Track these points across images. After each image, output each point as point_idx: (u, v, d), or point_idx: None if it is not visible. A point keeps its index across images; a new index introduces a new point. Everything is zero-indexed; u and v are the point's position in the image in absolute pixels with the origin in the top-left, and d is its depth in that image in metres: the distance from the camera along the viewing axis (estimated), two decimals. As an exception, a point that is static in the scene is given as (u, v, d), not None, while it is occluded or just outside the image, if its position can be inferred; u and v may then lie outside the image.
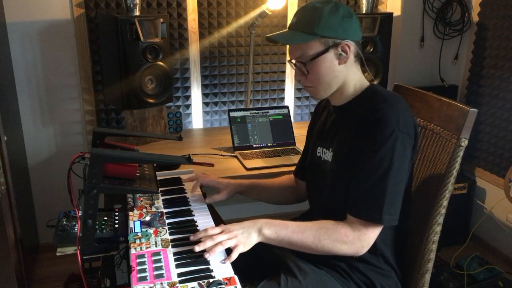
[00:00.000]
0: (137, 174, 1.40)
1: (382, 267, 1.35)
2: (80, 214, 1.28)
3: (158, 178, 1.62)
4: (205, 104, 2.81)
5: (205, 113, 2.83)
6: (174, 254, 1.20)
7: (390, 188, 1.20)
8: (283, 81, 2.90)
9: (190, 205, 1.52)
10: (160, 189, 1.60)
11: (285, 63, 2.86)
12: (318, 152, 1.44)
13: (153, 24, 2.20)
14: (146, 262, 1.16)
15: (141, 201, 1.51)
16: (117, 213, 1.47)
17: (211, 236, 1.20)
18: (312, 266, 1.35)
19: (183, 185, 1.70)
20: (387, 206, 1.20)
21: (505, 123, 2.58)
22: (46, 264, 2.58)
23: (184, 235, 1.29)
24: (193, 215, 1.45)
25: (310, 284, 1.29)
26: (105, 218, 1.42)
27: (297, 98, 2.97)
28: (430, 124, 1.48)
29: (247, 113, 2.34)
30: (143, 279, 1.09)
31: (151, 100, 2.30)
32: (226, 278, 1.10)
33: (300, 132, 2.29)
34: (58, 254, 1.32)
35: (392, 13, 2.54)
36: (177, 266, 1.15)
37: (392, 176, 1.20)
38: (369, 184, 1.21)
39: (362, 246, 1.24)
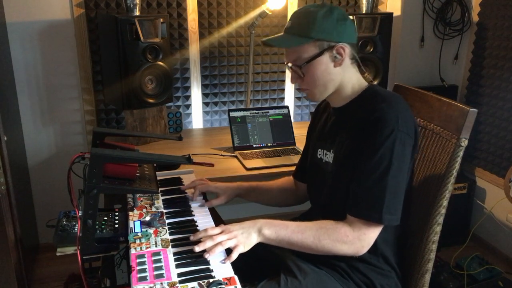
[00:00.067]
0: (137, 174, 1.40)
1: (382, 267, 1.35)
2: (80, 214, 1.28)
3: (158, 178, 1.62)
4: (205, 104, 2.81)
5: (205, 113, 2.83)
6: (174, 254, 1.20)
7: (389, 188, 1.20)
8: (283, 81, 2.90)
9: (190, 205, 1.52)
10: (160, 189, 1.60)
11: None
12: (319, 154, 1.44)
13: (153, 24, 2.20)
14: (146, 262, 1.16)
15: (141, 201, 1.51)
16: (117, 213, 1.47)
17: (211, 236, 1.20)
18: (312, 266, 1.35)
19: (183, 185, 1.70)
20: (387, 205, 1.21)
21: (505, 123, 2.58)
22: (46, 264, 2.58)
23: (184, 235, 1.29)
24: (193, 215, 1.45)
25: (310, 284, 1.29)
26: (105, 218, 1.42)
27: (297, 98, 2.97)
28: (430, 124, 1.48)
29: (247, 113, 2.35)
30: (143, 279, 1.09)
31: (151, 100, 2.30)
32: (226, 278, 1.10)
33: (300, 132, 2.29)
34: (58, 254, 1.32)
35: (392, 13, 2.54)
36: (177, 266, 1.15)
37: (392, 176, 1.20)
38: (368, 184, 1.22)
39: (362, 246, 1.24)
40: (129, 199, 1.50)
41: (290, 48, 1.33)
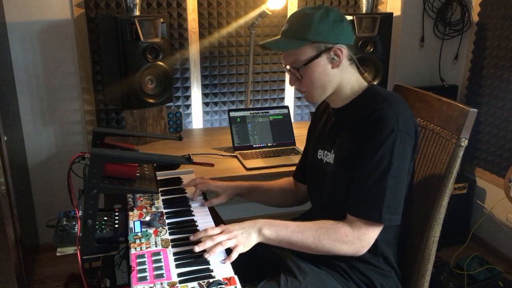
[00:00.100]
0: (137, 174, 1.40)
1: (382, 267, 1.35)
2: (80, 214, 1.28)
3: (158, 178, 1.62)
4: (205, 104, 2.81)
5: (205, 113, 2.83)
6: (174, 254, 1.20)
7: (389, 187, 1.20)
8: (283, 81, 2.90)
9: (190, 205, 1.52)
10: (160, 189, 1.60)
11: (285, 63, 2.86)
12: (319, 155, 1.44)
13: (153, 24, 2.20)
14: (146, 262, 1.16)
15: (141, 201, 1.51)
16: (117, 213, 1.47)
17: (211, 236, 1.20)
18: (312, 266, 1.35)
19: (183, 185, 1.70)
20: (387, 205, 1.20)
21: (505, 123, 2.58)
22: (46, 264, 2.58)
23: (184, 235, 1.29)
24: (193, 215, 1.45)
25: (310, 284, 1.29)
26: (105, 218, 1.42)
27: (297, 98, 2.97)
28: (430, 124, 1.48)
29: (247, 113, 2.35)
30: (143, 279, 1.09)
31: (151, 100, 2.30)
32: (226, 278, 1.10)
33: (300, 132, 2.29)
34: (58, 254, 1.32)
35: (392, 13, 2.54)
36: (177, 266, 1.15)
37: (392, 176, 1.20)
38: (368, 184, 1.22)
39: (362, 246, 1.24)
40: (129, 199, 1.50)
41: (287, 51, 1.33)
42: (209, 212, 1.48)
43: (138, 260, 1.16)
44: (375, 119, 1.22)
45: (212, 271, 1.13)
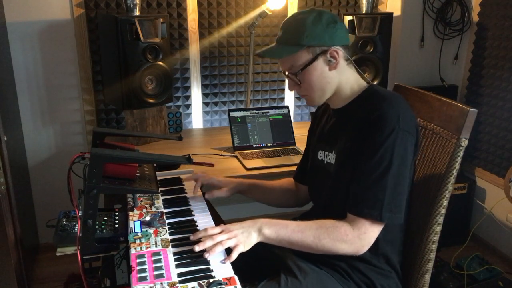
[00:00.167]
0: (137, 174, 1.40)
1: (383, 267, 1.35)
2: (80, 214, 1.28)
3: (158, 178, 1.62)
4: (205, 104, 2.81)
5: (205, 113, 2.83)
6: (174, 254, 1.20)
7: (390, 186, 1.20)
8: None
9: (190, 205, 1.52)
10: (160, 189, 1.60)
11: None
12: (320, 156, 1.44)
13: (153, 24, 2.20)
14: (146, 262, 1.16)
15: (141, 201, 1.51)
16: (117, 213, 1.47)
17: (211, 236, 1.20)
18: (312, 266, 1.35)
19: (183, 185, 1.70)
20: (388, 204, 1.20)
21: (505, 123, 2.58)
22: (46, 264, 2.58)
23: (184, 235, 1.29)
24: (193, 215, 1.45)
25: (310, 284, 1.29)
26: (105, 218, 1.42)
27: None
28: (430, 124, 1.48)
29: (247, 113, 2.35)
30: (143, 279, 1.09)
31: (151, 100, 2.30)
32: (226, 278, 1.10)
33: (300, 132, 2.30)
34: (58, 254, 1.32)
35: (392, 13, 2.54)
36: (177, 266, 1.15)
37: (392, 174, 1.20)
38: (369, 183, 1.21)
39: (362, 245, 1.24)
40: (129, 199, 1.50)
41: (283, 58, 1.33)
42: (209, 212, 1.48)
43: (138, 260, 1.16)
44: (376, 118, 1.22)
45: (212, 271, 1.13)
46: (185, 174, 1.81)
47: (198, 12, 2.63)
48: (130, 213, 1.42)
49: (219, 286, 1.07)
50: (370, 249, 1.26)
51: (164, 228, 1.34)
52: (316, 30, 1.28)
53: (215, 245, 1.18)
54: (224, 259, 1.17)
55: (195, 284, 1.08)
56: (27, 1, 2.35)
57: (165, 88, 2.33)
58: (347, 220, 1.25)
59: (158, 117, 2.43)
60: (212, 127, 2.85)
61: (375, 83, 2.15)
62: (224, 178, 1.67)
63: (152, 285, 1.07)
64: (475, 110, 1.32)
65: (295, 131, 2.37)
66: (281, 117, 2.39)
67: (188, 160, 1.38)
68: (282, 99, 2.94)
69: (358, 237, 1.23)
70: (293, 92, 2.94)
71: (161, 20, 2.23)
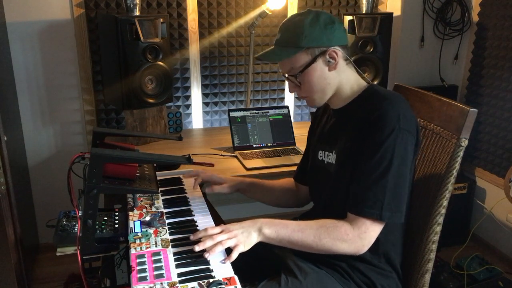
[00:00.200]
0: (137, 174, 1.40)
1: (383, 267, 1.35)
2: (80, 214, 1.28)
3: (158, 178, 1.62)
4: (205, 104, 2.81)
5: (205, 113, 2.83)
6: (174, 254, 1.20)
7: (390, 186, 1.20)
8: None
9: (190, 205, 1.52)
10: (160, 189, 1.60)
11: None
12: (320, 156, 1.44)
13: (153, 24, 2.20)
14: (146, 262, 1.16)
15: (141, 201, 1.51)
16: (117, 213, 1.47)
17: (211, 236, 1.20)
18: (312, 266, 1.35)
19: (183, 185, 1.70)
20: (388, 203, 1.20)
21: (505, 123, 2.58)
22: (46, 264, 2.58)
23: (184, 235, 1.29)
24: (193, 215, 1.45)
25: (310, 284, 1.29)
26: (105, 218, 1.42)
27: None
28: (430, 124, 1.48)
29: (247, 113, 2.35)
30: (143, 279, 1.09)
31: (151, 100, 2.30)
32: (226, 278, 1.10)
33: (300, 132, 2.30)
34: (58, 254, 1.32)
35: (392, 13, 2.54)
36: (177, 266, 1.15)
37: (393, 174, 1.20)
38: (369, 182, 1.21)
39: (362, 245, 1.24)
40: (129, 199, 1.50)
41: (283, 60, 1.33)
42: (209, 212, 1.48)
43: (138, 260, 1.16)
44: (376, 117, 1.22)
45: (212, 271, 1.13)
46: (185, 175, 1.81)
47: (198, 12, 2.63)
48: (130, 213, 1.42)
49: (219, 286, 1.07)
50: (370, 249, 1.26)
51: (164, 228, 1.34)
52: (314, 31, 1.28)
53: (215, 245, 1.18)
54: (224, 259, 1.17)
55: (195, 284, 1.08)
56: (27, 1, 2.35)
57: (165, 88, 2.33)
58: (347, 220, 1.25)
59: (158, 117, 2.43)
60: (212, 127, 2.85)
61: (375, 83, 2.15)
62: (225, 176, 1.67)
63: (152, 285, 1.07)
64: (475, 110, 1.32)
65: (295, 131, 2.37)
66: (281, 117, 2.39)
67: (188, 160, 1.38)
68: (282, 99, 2.94)
69: (358, 236, 1.22)
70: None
71: (161, 20, 2.23)
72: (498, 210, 2.69)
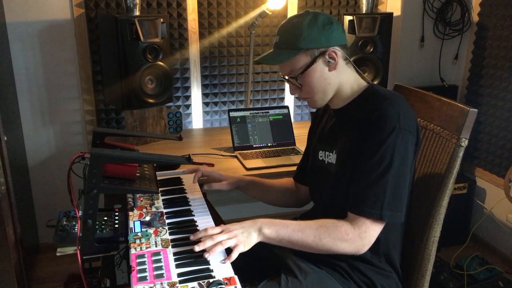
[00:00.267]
0: (137, 174, 1.40)
1: (383, 267, 1.35)
2: (80, 214, 1.28)
3: (158, 178, 1.62)
4: (205, 104, 2.81)
5: (205, 113, 2.83)
6: (174, 254, 1.20)
7: (390, 185, 1.20)
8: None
9: (190, 205, 1.52)
10: (160, 189, 1.60)
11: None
12: (320, 156, 1.44)
13: (153, 24, 2.20)
14: (146, 262, 1.16)
15: (141, 201, 1.51)
16: (117, 213, 1.47)
17: (211, 236, 1.20)
18: (312, 266, 1.35)
19: (183, 185, 1.70)
20: (388, 203, 1.20)
21: (505, 123, 2.58)
22: (46, 264, 2.58)
23: (184, 235, 1.29)
24: (193, 215, 1.45)
25: (310, 284, 1.29)
26: (105, 218, 1.42)
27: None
28: (430, 124, 1.48)
29: (247, 113, 2.35)
30: (143, 279, 1.09)
31: (151, 100, 2.30)
32: (226, 278, 1.10)
33: (300, 132, 2.30)
34: (58, 254, 1.32)
35: (392, 13, 2.54)
36: (177, 266, 1.15)
37: (393, 174, 1.20)
38: (370, 181, 1.21)
39: (363, 245, 1.24)
40: (129, 199, 1.50)
41: (282, 63, 1.34)
42: (209, 212, 1.48)
43: (138, 260, 1.16)
44: (377, 117, 1.22)
45: (212, 271, 1.13)
46: (185, 175, 1.81)
47: (198, 12, 2.63)
48: (130, 213, 1.42)
49: (219, 286, 1.07)
50: (370, 249, 1.26)
51: (164, 228, 1.34)
52: (313, 32, 1.28)
53: (215, 245, 1.18)
54: (224, 259, 1.17)
55: (195, 284, 1.08)
56: (27, 1, 2.35)
57: (165, 88, 2.33)
58: (347, 220, 1.25)
59: (158, 117, 2.43)
60: (212, 127, 2.85)
61: (375, 83, 2.14)
62: (225, 173, 1.68)
63: (152, 285, 1.07)
64: (475, 110, 1.32)
65: (295, 131, 2.37)
66: (281, 117, 2.39)
67: (188, 160, 1.38)
68: (282, 99, 2.94)
69: (358, 236, 1.22)
70: (293, 92, 2.94)
71: (161, 20, 2.23)
72: (498, 210, 2.69)
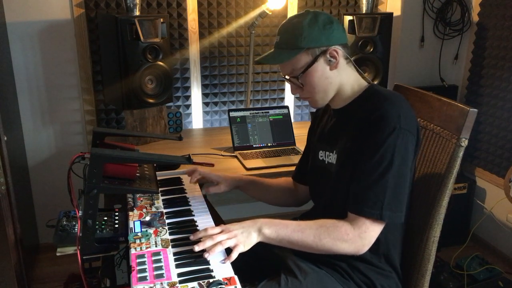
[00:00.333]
0: (137, 174, 1.40)
1: (383, 267, 1.35)
2: (80, 214, 1.28)
3: (158, 178, 1.62)
4: (205, 104, 2.81)
5: (205, 113, 2.83)
6: (174, 254, 1.20)
7: (390, 186, 1.20)
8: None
9: (190, 205, 1.52)
10: (160, 189, 1.60)
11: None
12: (321, 156, 1.44)
13: (153, 24, 2.20)
14: (146, 262, 1.16)
15: (141, 201, 1.51)
16: (117, 213, 1.47)
17: (210, 236, 1.20)
18: (312, 266, 1.35)
19: (183, 185, 1.70)
20: (388, 202, 1.20)
21: (505, 123, 2.58)
22: (46, 264, 2.58)
23: (184, 235, 1.29)
24: (193, 215, 1.45)
25: (310, 284, 1.29)
26: (105, 218, 1.42)
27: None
28: (430, 124, 1.48)
29: (247, 113, 2.35)
30: (143, 279, 1.09)
31: (151, 100, 2.30)
32: (226, 278, 1.10)
33: (300, 132, 2.30)
34: (58, 254, 1.32)
35: (392, 13, 2.54)
36: (177, 266, 1.15)
37: (393, 174, 1.20)
38: (369, 182, 1.21)
39: (363, 245, 1.24)
40: (129, 199, 1.50)
41: (283, 62, 1.34)
42: (209, 212, 1.48)
43: (138, 260, 1.16)
44: (377, 117, 1.22)
45: (212, 271, 1.13)
46: (185, 174, 1.81)
47: (198, 12, 2.63)
48: (130, 213, 1.42)
49: (219, 286, 1.07)
50: (370, 249, 1.26)
51: (164, 228, 1.34)
52: (313, 31, 1.28)
53: (215, 245, 1.18)
54: (224, 259, 1.17)
55: (195, 284, 1.08)
56: (27, 1, 2.35)
57: (165, 88, 2.33)
58: (347, 220, 1.25)
59: (158, 117, 2.43)
60: (212, 127, 2.85)
61: (375, 83, 2.15)
62: (222, 173, 1.67)
63: (152, 285, 1.07)
64: (475, 110, 1.32)
65: (295, 131, 2.37)
66: (281, 117, 2.39)
67: (188, 160, 1.38)
68: (282, 99, 2.94)
69: (358, 236, 1.22)
70: (293, 92, 2.94)
71: (161, 20, 2.23)
72: (498, 210, 2.69)
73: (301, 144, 2.29)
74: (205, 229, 1.24)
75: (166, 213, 1.45)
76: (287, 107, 2.42)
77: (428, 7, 2.88)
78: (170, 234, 1.31)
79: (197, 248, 1.18)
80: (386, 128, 1.20)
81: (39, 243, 2.71)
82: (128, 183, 1.33)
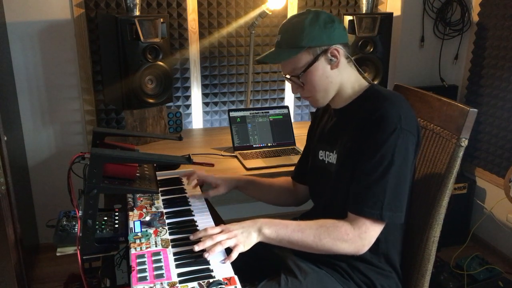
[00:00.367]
0: (137, 174, 1.40)
1: (383, 267, 1.35)
2: (80, 214, 1.28)
3: (158, 178, 1.62)
4: (205, 104, 2.81)
5: (205, 113, 2.83)
6: (174, 254, 1.20)
7: (391, 186, 1.20)
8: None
9: (190, 205, 1.52)
10: (160, 189, 1.60)
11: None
12: (321, 156, 1.44)
13: (153, 24, 2.20)
14: (146, 262, 1.16)
15: (141, 201, 1.51)
16: (117, 213, 1.47)
17: (210, 236, 1.20)
18: (312, 266, 1.35)
19: (183, 185, 1.70)
20: (388, 203, 1.20)
21: (505, 123, 2.58)
22: (46, 264, 2.58)
23: (184, 235, 1.29)
24: (193, 215, 1.45)
25: (310, 284, 1.29)
26: (105, 218, 1.42)
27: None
28: (430, 124, 1.48)
29: (247, 113, 2.35)
30: (143, 279, 1.09)
31: (151, 100, 2.30)
32: (226, 278, 1.10)
33: (300, 132, 2.29)
34: (58, 254, 1.32)
35: (392, 13, 2.54)
36: (177, 266, 1.15)
37: (393, 174, 1.20)
38: (370, 182, 1.21)
39: (363, 245, 1.24)
40: (129, 199, 1.50)
41: (284, 61, 1.33)
42: (209, 212, 1.48)
43: (138, 260, 1.16)
44: (377, 117, 1.22)
45: (212, 271, 1.13)
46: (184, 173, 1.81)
47: (198, 12, 2.63)
48: (130, 213, 1.42)
49: (219, 286, 1.07)
50: (370, 249, 1.26)
51: (164, 228, 1.34)
52: (314, 30, 1.28)
53: (215, 245, 1.18)
54: (224, 259, 1.17)
55: (195, 284, 1.08)
56: (27, 1, 2.35)
57: (165, 88, 2.33)
58: (347, 220, 1.25)
59: (158, 117, 2.43)
60: (212, 127, 2.85)
61: (375, 83, 2.15)
62: (221, 175, 1.67)
63: (152, 285, 1.07)
64: (475, 110, 1.32)
65: (295, 131, 2.37)
66: (281, 117, 2.39)
67: (188, 160, 1.38)
68: (282, 99, 2.94)
69: (358, 236, 1.22)
70: (293, 92, 2.94)
71: (161, 20, 2.23)
72: (498, 210, 2.69)
73: (301, 144, 2.28)
74: (205, 229, 1.24)
75: (166, 213, 1.45)
76: (287, 107, 2.43)
77: (428, 7, 2.88)
78: (170, 234, 1.31)
79: (197, 248, 1.18)
80: (386, 128, 1.20)
81: (39, 243, 2.71)
82: (128, 183, 1.33)
